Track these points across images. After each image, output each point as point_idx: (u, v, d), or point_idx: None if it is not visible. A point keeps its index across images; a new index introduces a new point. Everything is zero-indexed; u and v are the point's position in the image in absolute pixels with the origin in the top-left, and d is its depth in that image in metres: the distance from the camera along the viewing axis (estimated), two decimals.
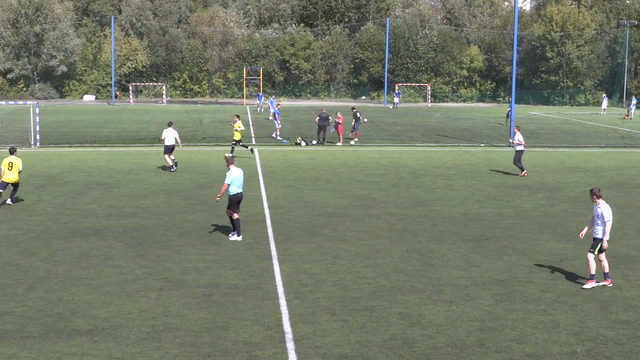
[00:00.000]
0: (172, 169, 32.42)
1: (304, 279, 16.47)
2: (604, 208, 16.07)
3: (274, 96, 72.03)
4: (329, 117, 44.59)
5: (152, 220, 22.51)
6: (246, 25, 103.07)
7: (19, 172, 25.13)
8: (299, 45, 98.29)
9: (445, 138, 48.53)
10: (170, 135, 32.80)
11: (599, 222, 16.13)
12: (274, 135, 47.41)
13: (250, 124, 58.85)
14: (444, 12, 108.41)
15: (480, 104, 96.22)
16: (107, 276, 16.54)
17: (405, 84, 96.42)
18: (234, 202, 19.99)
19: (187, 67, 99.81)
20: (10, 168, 24.83)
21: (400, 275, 16.87)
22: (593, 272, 16.04)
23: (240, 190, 20.03)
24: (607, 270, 16.22)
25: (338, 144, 44.17)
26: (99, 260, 17.87)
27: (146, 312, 14.18)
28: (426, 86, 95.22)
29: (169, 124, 33.67)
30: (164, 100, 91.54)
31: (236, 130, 37.13)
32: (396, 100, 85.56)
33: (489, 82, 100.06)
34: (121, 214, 23.45)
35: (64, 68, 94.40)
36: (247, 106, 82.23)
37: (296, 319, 13.89)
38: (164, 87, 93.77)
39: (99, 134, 49.65)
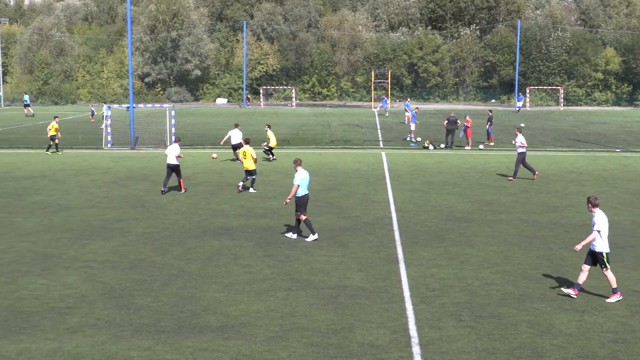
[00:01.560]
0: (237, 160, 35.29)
1: (431, 283, 16.34)
2: (597, 217, 15.17)
3: (409, 99, 71.73)
4: (458, 121, 44.03)
5: (280, 221, 22.88)
6: (374, 28, 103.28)
7: (254, 160, 27.71)
8: (427, 49, 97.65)
9: (579, 143, 47.05)
10: (236, 136, 35.71)
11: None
12: (409, 138, 47.10)
13: (378, 127, 58.91)
14: (577, 13, 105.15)
15: (616, 108, 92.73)
16: (237, 275, 16.94)
17: (536, 87, 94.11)
18: (302, 203, 20.20)
19: (316, 71, 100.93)
20: (244, 157, 27.46)
21: (529, 282, 16.47)
22: (614, 285, 15.20)
23: (307, 192, 20.32)
24: (580, 282, 15.42)
25: (467, 147, 43.58)
26: (229, 259, 18.32)
27: (274, 311, 14.43)
28: (559, 89, 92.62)
29: (236, 126, 36.59)
30: (293, 104, 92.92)
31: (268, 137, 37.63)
32: (519, 104, 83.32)
33: (626, 85, 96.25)
34: (251, 214, 23.95)
35: (198, 72, 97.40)
36: (375, 109, 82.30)
37: (422, 323, 13.79)
38: (293, 91, 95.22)
39: None
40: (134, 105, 46.85)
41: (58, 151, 40.62)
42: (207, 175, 32.36)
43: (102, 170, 34.01)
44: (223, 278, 16.68)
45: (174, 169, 27.63)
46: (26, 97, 77.76)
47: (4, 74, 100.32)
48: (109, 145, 43.90)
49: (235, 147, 35.66)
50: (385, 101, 77.52)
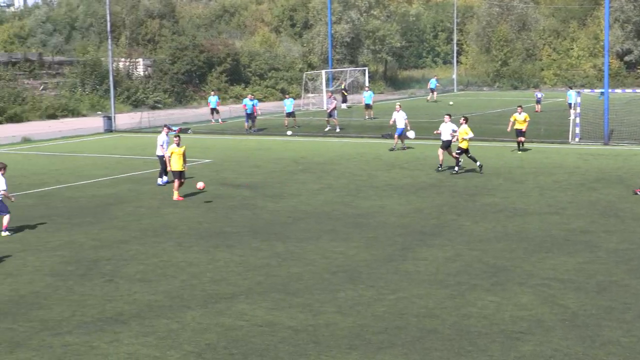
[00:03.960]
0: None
1: None
2: None
3: None
4: None
5: None
6: None
7: None
8: None
9: None
10: (445, 129, 34.81)
11: None
12: None
13: None
14: None
15: None
16: None
17: None
18: None
19: None
20: None
21: None
22: None
23: None
24: None
25: None
26: None
27: None
28: None
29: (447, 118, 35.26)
30: None
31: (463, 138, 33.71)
32: None
33: None
34: None
35: None
36: None
37: None
38: None
39: None
40: (610, 91, 46.27)
41: (519, 150, 40.58)
42: None
43: (568, 170, 34.23)
44: None
45: None
46: (434, 81, 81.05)
47: (459, 53, 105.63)
48: (577, 140, 43.94)
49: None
50: None
